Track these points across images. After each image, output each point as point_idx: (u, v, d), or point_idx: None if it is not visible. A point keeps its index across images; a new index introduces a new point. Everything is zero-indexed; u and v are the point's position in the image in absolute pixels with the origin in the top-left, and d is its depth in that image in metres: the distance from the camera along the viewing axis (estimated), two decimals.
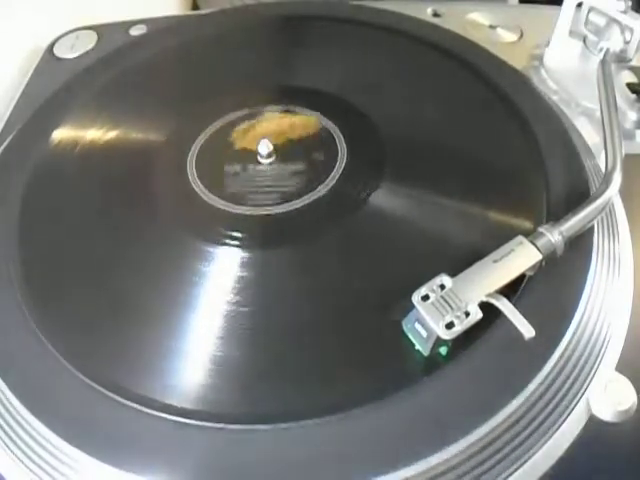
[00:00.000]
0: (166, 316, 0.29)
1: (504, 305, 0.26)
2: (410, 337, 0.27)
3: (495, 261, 0.27)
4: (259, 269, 0.30)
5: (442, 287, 0.27)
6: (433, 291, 0.26)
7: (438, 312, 0.26)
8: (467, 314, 0.26)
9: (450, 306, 0.26)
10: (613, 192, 0.30)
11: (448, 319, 0.26)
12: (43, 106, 0.41)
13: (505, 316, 0.26)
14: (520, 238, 0.28)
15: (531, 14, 0.49)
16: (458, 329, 0.25)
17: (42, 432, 0.26)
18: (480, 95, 0.38)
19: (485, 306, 0.26)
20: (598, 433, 0.26)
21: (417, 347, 0.27)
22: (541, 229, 0.28)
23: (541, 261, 0.28)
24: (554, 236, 0.28)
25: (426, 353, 0.26)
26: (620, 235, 0.32)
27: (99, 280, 0.31)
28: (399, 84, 0.40)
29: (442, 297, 0.26)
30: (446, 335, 0.25)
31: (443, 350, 0.26)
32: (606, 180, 0.30)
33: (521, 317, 0.25)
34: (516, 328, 0.25)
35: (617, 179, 0.30)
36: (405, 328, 0.27)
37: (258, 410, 0.26)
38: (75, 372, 0.27)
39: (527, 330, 0.25)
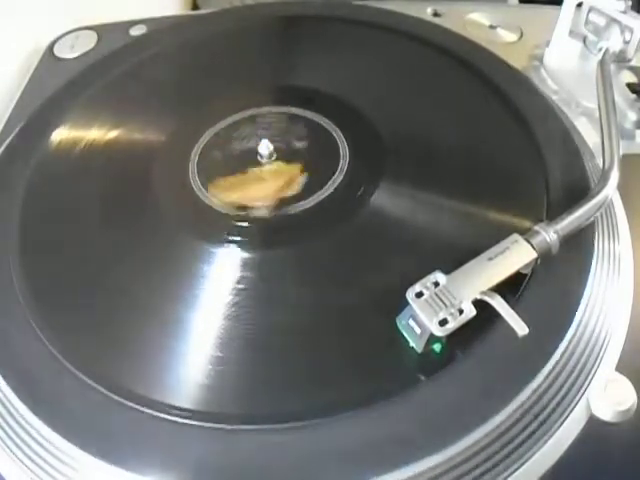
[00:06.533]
0: (167, 316, 0.29)
1: (498, 303, 0.26)
2: (404, 334, 0.27)
3: (490, 259, 0.27)
4: (259, 270, 0.30)
5: (436, 284, 0.27)
6: (427, 288, 0.26)
7: (432, 309, 0.26)
8: (461, 311, 0.26)
9: (444, 303, 0.26)
10: (610, 191, 0.30)
11: (442, 316, 0.26)
12: (43, 106, 0.41)
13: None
14: (515, 236, 0.28)
15: (531, 14, 0.49)
16: (451, 326, 0.25)
17: (42, 432, 0.26)
18: (480, 95, 0.38)
19: (485, 306, 0.26)
20: (598, 433, 0.26)
21: (411, 344, 0.27)
22: (536, 227, 0.28)
23: (536, 259, 0.28)
24: (549, 234, 0.28)
25: (420, 350, 0.26)
26: (620, 235, 0.32)
27: (100, 280, 0.31)
28: (399, 84, 0.40)
29: (436, 294, 0.26)
30: (439, 332, 0.25)
31: (437, 347, 0.26)
32: (603, 178, 0.30)
33: (515, 315, 0.25)
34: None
35: (614, 177, 0.30)
36: (399, 325, 0.27)
37: (258, 410, 0.26)
38: (75, 372, 0.27)
39: (520, 328, 0.25)
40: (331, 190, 0.33)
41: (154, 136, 0.38)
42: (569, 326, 0.27)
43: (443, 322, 0.26)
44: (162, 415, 0.26)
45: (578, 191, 0.32)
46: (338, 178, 0.34)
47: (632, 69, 0.40)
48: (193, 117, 0.39)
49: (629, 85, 0.39)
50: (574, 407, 0.26)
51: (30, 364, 0.28)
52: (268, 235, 0.32)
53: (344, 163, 0.34)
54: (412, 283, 0.27)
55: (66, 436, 0.25)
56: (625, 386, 0.27)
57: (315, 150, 0.36)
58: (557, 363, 0.26)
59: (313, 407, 0.25)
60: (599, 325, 0.28)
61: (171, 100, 0.41)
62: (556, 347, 0.27)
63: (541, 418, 0.26)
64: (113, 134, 0.38)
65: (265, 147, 0.35)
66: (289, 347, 0.28)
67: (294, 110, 0.38)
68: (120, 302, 0.30)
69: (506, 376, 0.26)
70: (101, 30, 0.49)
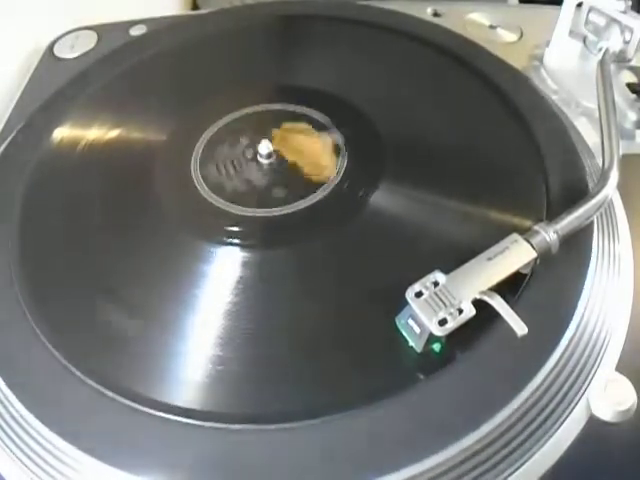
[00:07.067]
0: (166, 316, 0.29)
1: (497, 302, 0.26)
2: (403, 333, 0.27)
3: (489, 259, 0.27)
4: (260, 269, 0.30)
5: (436, 284, 0.27)
6: (426, 288, 0.27)
7: (431, 309, 0.26)
8: (460, 311, 0.26)
9: (443, 303, 0.26)
10: (609, 190, 0.30)
11: (441, 316, 0.26)
12: (43, 106, 0.41)
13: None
14: (515, 236, 0.28)
15: (531, 14, 0.49)
16: (451, 326, 0.25)
17: (42, 432, 0.26)
18: (480, 95, 0.38)
19: (484, 306, 0.26)
20: (598, 433, 0.26)
21: (410, 344, 0.27)
22: (536, 227, 0.28)
23: (536, 259, 0.28)
24: (549, 234, 0.28)
25: (419, 350, 0.26)
26: (620, 235, 0.32)
27: (99, 280, 0.31)
28: (399, 84, 0.40)
29: (435, 294, 0.26)
30: (439, 332, 0.25)
31: (436, 347, 0.26)
32: (603, 178, 0.30)
33: (514, 314, 0.25)
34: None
35: (614, 177, 0.30)
36: (398, 324, 0.27)
37: (258, 410, 0.26)
38: (75, 372, 0.27)
39: (520, 327, 0.25)
40: (331, 189, 0.33)
41: (154, 136, 0.38)
42: (569, 326, 0.27)
43: (442, 322, 0.26)
44: (162, 415, 0.26)
45: (578, 191, 0.32)
46: (338, 177, 0.34)
47: (632, 69, 0.40)
48: (193, 117, 0.39)
49: (629, 85, 0.39)
50: (574, 407, 0.26)
51: (29, 364, 0.28)
52: (268, 235, 0.32)
53: (344, 162, 0.35)
54: (411, 282, 0.27)
55: (66, 436, 0.25)
56: (625, 386, 0.27)
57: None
58: (557, 363, 0.26)
59: (313, 407, 0.25)
60: (599, 325, 0.28)
61: (171, 100, 0.41)
62: (556, 347, 0.27)
63: (541, 418, 0.26)
64: (113, 134, 0.38)
65: (265, 147, 0.35)
66: (289, 347, 0.28)
67: (294, 109, 0.38)
68: (120, 301, 0.30)
69: (506, 376, 0.26)
70: (101, 30, 0.49)
